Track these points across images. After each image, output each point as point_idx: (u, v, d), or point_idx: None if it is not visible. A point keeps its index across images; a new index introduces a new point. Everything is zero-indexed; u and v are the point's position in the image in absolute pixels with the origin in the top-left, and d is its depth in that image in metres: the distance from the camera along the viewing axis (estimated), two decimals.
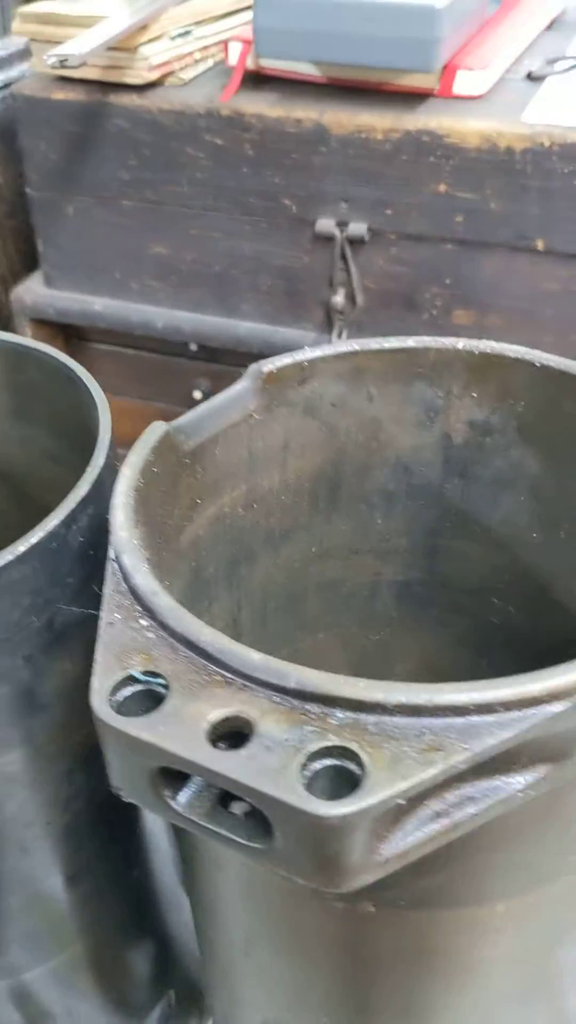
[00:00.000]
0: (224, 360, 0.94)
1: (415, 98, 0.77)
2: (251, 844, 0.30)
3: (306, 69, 0.80)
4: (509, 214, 0.75)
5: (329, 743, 0.30)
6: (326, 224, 0.80)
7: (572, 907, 0.38)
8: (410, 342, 0.52)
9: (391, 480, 0.56)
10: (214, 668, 0.32)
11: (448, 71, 0.76)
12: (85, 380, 0.45)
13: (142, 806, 0.33)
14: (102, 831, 0.48)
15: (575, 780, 0.34)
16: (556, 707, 0.31)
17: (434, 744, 0.30)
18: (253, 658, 0.32)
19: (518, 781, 0.32)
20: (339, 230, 0.80)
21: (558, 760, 0.32)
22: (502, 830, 0.33)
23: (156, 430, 0.43)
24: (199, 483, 0.48)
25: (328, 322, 0.85)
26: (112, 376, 0.97)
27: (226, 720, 0.31)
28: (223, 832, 0.31)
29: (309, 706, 0.31)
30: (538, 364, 0.50)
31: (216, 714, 0.31)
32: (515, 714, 0.31)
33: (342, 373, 0.53)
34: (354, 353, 0.52)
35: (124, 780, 0.32)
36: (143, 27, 0.79)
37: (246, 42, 0.80)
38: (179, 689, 0.32)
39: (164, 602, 0.34)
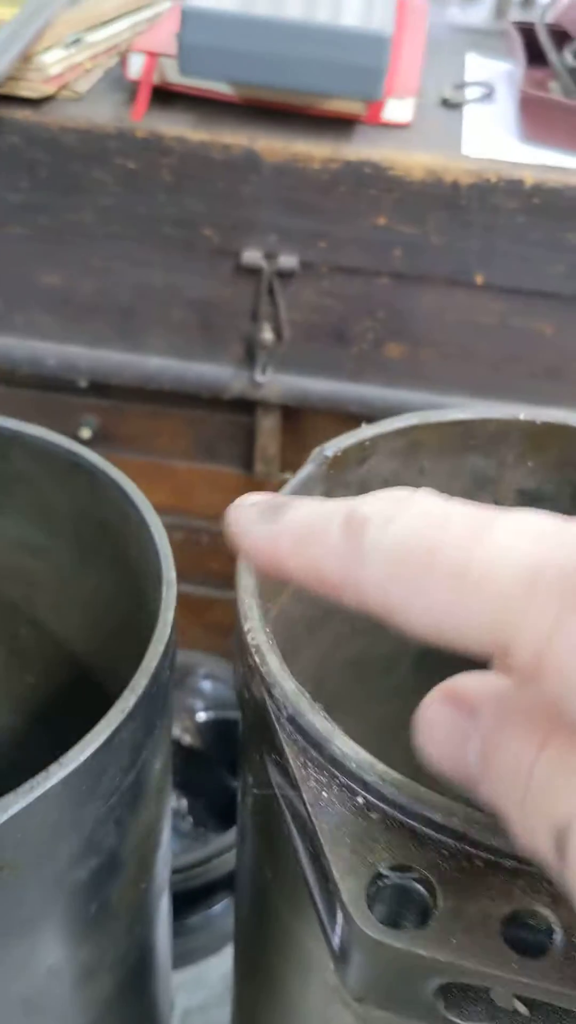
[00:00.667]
0: (117, 396, 0.87)
1: (345, 125, 0.74)
2: None
3: (220, 88, 0.74)
4: (450, 248, 0.73)
5: None
6: (252, 256, 0.75)
7: None
8: (469, 413, 0.50)
9: None
10: (473, 851, 0.28)
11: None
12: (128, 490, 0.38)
13: (399, 1015, 0.28)
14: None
15: None
16: None
17: None
18: None
19: None
20: (267, 262, 0.75)
21: None
22: None
23: None
24: (270, 587, 0.44)
25: (249, 357, 0.80)
26: None
27: (515, 915, 0.27)
28: None
29: None
30: None
31: (504, 912, 0.26)
32: None
33: (398, 449, 0.49)
34: (412, 428, 0.49)
35: (380, 992, 0.27)
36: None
37: (151, 54, 0.73)
38: (446, 885, 0.27)
39: (390, 776, 0.29)
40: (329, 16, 0.68)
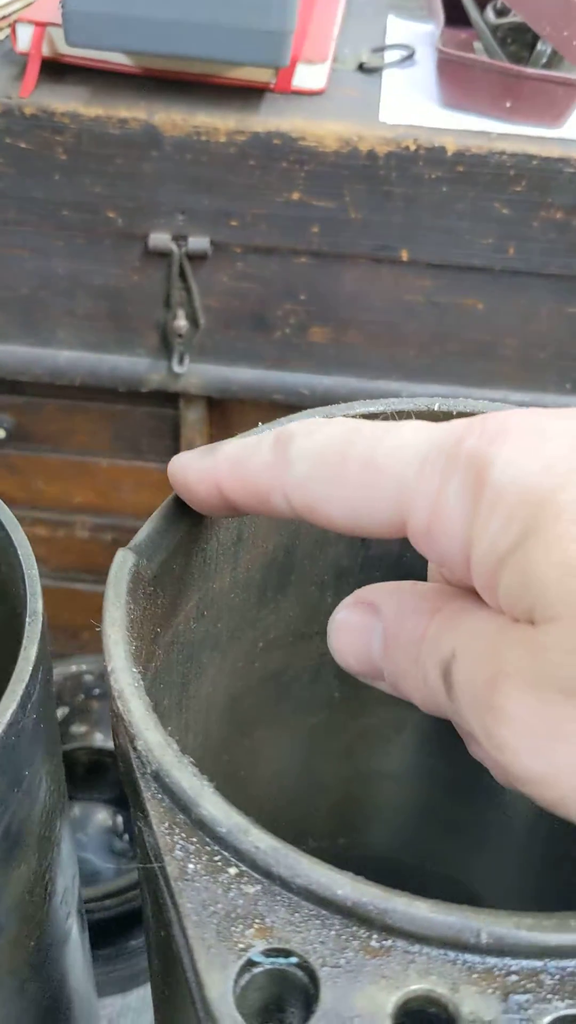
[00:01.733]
0: (31, 392, 0.81)
1: (253, 95, 0.68)
2: None
3: (117, 58, 0.69)
4: (371, 223, 0.68)
5: (562, 1013, 0.23)
6: (160, 239, 0.70)
7: None
8: (381, 405, 0.45)
9: (346, 555, 0.49)
10: (364, 931, 0.24)
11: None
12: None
13: None
14: None
15: None
16: None
17: None
18: (420, 913, 0.24)
19: None
20: (176, 245, 0.70)
21: None
22: None
23: (124, 565, 0.33)
24: (159, 611, 0.39)
25: (165, 346, 0.75)
26: None
27: (406, 1004, 0.23)
28: None
29: (512, 964, 0.24)
30: None
31: (395, 1000, 0.22)
32: None
33: None
34: None
35: None
36: None
37: (39, 24, 0.67)
38: (328, 972, 0.23)
39: (265, 843, 0.25)
40: None
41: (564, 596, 0.18)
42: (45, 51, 0.69)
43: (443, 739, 0.56)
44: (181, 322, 0.73)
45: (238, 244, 0.70)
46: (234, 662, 0.50)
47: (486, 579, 0.20)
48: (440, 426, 0.21)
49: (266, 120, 0.66)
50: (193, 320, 0.73)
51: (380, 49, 0.76)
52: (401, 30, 0.81)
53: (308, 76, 0.69)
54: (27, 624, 0.30)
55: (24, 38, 0.69)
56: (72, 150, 0.67)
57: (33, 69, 0.67)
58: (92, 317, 0.75)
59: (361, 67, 0.74)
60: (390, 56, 0.75)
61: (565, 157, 0.65)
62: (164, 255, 0.71)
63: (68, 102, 0.66)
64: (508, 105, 0.66)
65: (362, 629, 0.25)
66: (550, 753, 0.19)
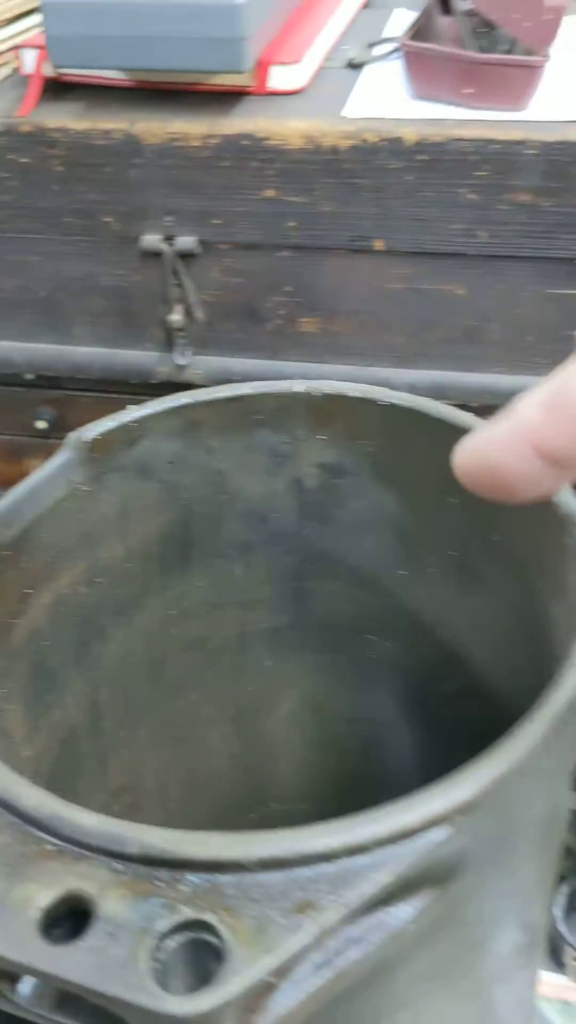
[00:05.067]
0: (67, 386, 0.88)
1: (232, 98, 0.72)
2: None
3: (112, 73, 0.74)
4: (342, 216, 0.71)
5: (182, 918, 0.26)
6: (151, 240, 0.75)
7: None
8: (245, 388, 0.48)
9: (246, 531, 0.52)
10: (42, 835, 0.28)
11: (261, 67, 0.71)
12: None
13: None
14: None
15: (463, 895, 0.30)
16: (437, 835, 0.27)
17: (303, 901, 0.26)
18: (85, 822, 0.27)
19: (405, 911, 0.29)
20: (167, 245, 0.75)
21: (445, 882, 0.29)
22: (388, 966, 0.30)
23: None
24: (27, 573, 0.44)
25: (168, 340, 0.80)
26: None
27: (62, 901, 0.26)
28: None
29: (158, 872, 0.27)
30: (383, 403, 0.46)
31: (47, 896, 0.26)
32: (392, 850, 0.27)
33: (175, 429, 0.48)
34: (184, 407, 0.48)
35: None
36: None
37: (42, 48, 0.74)
38: (2, 867, 0.27)
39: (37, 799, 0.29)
40: None
41: None
42: (48, 71, 0.75)
43: (396, 702, 0.58)
44: (178, 317, 0.78)
45: (224, 241, 0.74)
46: (147, 627, 0.54)
47: None
48: None
49: (235, 122, 0.70)
50: (189, 314, 0.78)
51: (371, 44, 0.78)
52: (402, 23, 0.83)
53: (283, 77, 0.72)
54: None
55: (29, 61, 0.75)
56: (66, 162, 0.73)
57: (33, 89, 0.74)
58: (103, 315, 0.81)
59: (350, 63, 0.77)
60: (378, 51, 0.77)
61: (525, 140, 0.66)
62: (157, 255, 0.75)
63: (60, 118, 0.72)
64: (470, 92, 0.67)
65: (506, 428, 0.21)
66: None
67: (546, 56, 0.64)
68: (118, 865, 0.27)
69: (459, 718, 0.54)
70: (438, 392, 0.75)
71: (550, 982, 0.53)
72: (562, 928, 0.58)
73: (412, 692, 0.56)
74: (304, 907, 0.26)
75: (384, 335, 0.76)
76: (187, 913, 0.26)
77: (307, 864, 0.27)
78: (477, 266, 0.72)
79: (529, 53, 0.65)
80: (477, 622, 0.50)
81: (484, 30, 0.70)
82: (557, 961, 0.58)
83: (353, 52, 0.77)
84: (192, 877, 0.27)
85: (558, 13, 0.62)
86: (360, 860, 0.26)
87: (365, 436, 0.48)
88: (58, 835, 0.27)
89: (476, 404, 0.73)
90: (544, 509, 0.39)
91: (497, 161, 0.67)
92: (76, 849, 0.27)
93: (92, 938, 0.25)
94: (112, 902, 0.26)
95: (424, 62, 0.68)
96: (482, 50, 0.69)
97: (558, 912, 0.59)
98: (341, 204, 0.70)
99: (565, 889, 0.60)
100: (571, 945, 0.57)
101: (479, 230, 0.70)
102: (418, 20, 0.72)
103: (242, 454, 0.50)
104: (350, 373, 0.78)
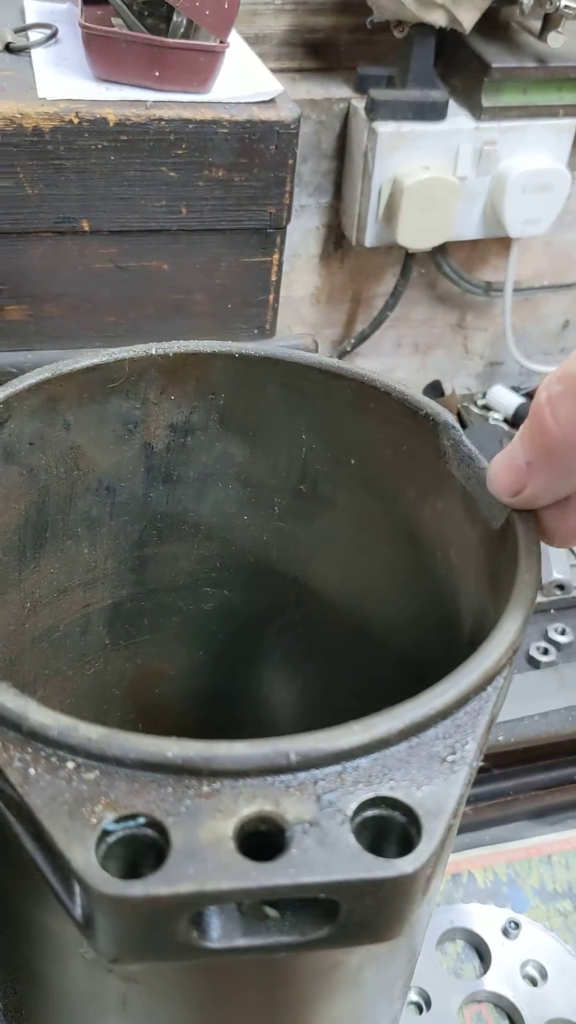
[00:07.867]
0: None
1: None
2: (308, 938, 0.28)
3: None
4: (48, 197, 0.71)
5: (370, 795, 0.28)
6: None
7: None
8: (102, 356, 0.49)
9: (94, 505, 0.53)
10: (195, 780, 0.29)
11: None
12: None
13: (160, 961, 0.28)
14: None
15: None
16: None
17: (431, 754, 0.30)
18: (239, 752, 0.29)
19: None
20: None
21: None
22: None
23: None
24: None
25: None
26: None
27: (243, 828, 0.28)
28: (273, 941, 0.28)
29: (318, 773, 0.29)
30: (237, 355, 0.50)
31: (233, 825, 0.27)
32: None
33: (37, 407, 0.48)
34: (47, 382, 0.48)
35: (135, 945, 0.27)
36: None
37: None
38: (172, 820, 0.27)
39: (95, 732, 0.29)
40: None
41: None
42: None
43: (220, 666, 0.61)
44: None
45: None
46: (4, 627, 0.52)
47: None
48: None
49: None
50: None
51: (22, 29, 0.78)
52: (38, 11, 0.83)
53: None
54: None
55: None
56: None
57: None
58: None
59: (8, 47, 0.76)
60: (34, 35, 0.77)
61: (217, 119, 0.71)
62: None
63: None
64: (157, 74, 0.70)
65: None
66: None
67: (227, 42, 0.70)
68: (282, 779, 0.29)
69: (302, 645, 0.60)
70: None
71: None
72: None
73: (253, 633, 0.60)
74: (451, 751, 0.30)
75: (93, 316, 0.77)
76: (370, 793, 0.29)
77: (427, 726, 0.31)
78: (179, 241, 0.76)
79: (208, 39, 0.70)
80: (324, 548, 0.56)
81: (147, 15, 0.74)
82: None
83: (8, 37, 0.76)
84: (339, 766, 0.29)
85: (235, 1, 0.67)
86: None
87: (215, 390, 0.52)
88: (211, 773, 0.29)
89: None
90: (412, 418, 0.45)
91: (193, 140, 0.71)
92: (232, 781, 0.29)
93: (296, 844, 0.27)
94: (290, 809, 0.28)
95: (109, 46, 0.70)
96: (153, 34, 0.72)
97: None
98: (45, 186, 0.70)
99: None
100: None
101: (180, 206, 0.74)
102: (81, 3, 0.73)
103: (97, 427, 0.51)
104: (60, 358, 0.78)
